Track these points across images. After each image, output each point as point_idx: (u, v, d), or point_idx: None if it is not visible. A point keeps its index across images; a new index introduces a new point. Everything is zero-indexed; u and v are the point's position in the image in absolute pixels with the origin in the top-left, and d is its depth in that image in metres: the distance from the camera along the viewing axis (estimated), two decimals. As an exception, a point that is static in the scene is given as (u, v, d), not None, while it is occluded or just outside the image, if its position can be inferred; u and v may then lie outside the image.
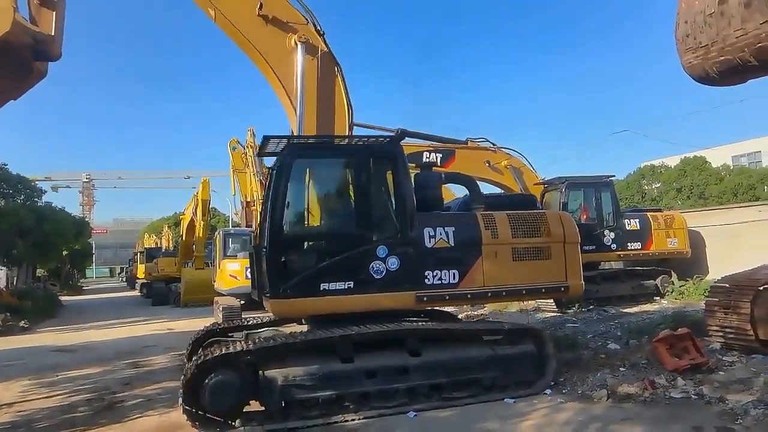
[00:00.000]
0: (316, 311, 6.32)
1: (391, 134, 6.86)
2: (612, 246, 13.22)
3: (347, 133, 8.31)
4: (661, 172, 33.85)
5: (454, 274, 6.45)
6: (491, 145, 14.40)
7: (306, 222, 6.88)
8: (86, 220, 46.04)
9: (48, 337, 15.43)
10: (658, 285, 13.52)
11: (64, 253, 37.62)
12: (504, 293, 6.76)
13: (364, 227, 6.36)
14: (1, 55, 5.10)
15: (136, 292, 37.91)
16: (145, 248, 37.94)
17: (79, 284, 52.20)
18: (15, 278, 30.58)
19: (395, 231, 6.42)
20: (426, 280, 6.37)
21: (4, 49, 5.02)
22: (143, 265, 34.09)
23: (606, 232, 13.22)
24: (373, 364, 5.94)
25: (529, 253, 6.72)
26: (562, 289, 6.86)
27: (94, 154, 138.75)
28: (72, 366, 10.01)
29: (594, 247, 13.08)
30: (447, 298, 6.47)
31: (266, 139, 6.55)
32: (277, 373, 5.61)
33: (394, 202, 6.49)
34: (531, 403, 6.17)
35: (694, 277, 13.54)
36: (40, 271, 41.20)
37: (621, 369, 7.06)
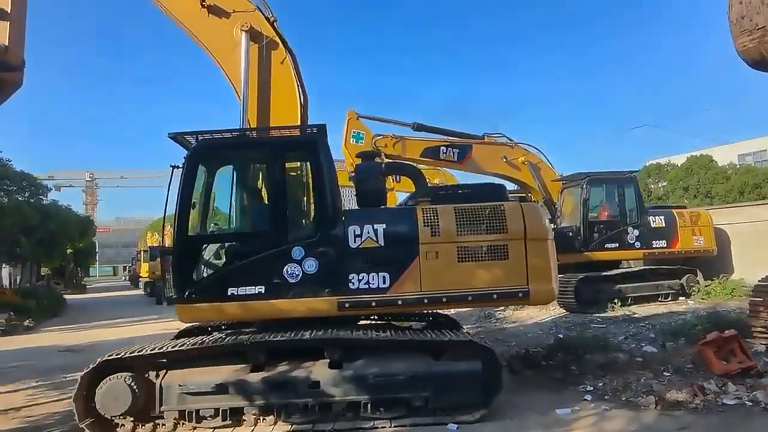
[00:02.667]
0: (224, 317, 6.01)
1: (316, 125, 6.27)
2: (636, 244, 12.78)
3: (299, 123, 7.77)
4: (667, 170, 33.47)
5: (384, 277, 5.75)
6: (508, 141, 14.03)
7: (215, 223, 6.49)
8: (91, 218, 45.75)
9: (53, 336, 15.11)
10: (684, 284, 13.09)
11: (69, 251, 37.30)
12: (444, 299, 5.82)
13: (277, 227, 5.89)
14: None
15: (140, 291, 37.57)
16: (149, 247, 37.53)
17: (82, 283, 51.90)
18: (18, 277, 30.26)
19: (313, 230, 5.93)
20: (350, 285, 5.72)
21: None
22: (147, 263, 33.69)
23: (629, 229, 12.79)
24: (282, 375, 5.45)
25: (478, 252, 5.83)
26: (521, 294, 5.85)
27: (96, 154, 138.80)
28: (81, 367, 9.32)
29: (617, 245, 12.71)
30: (373, 304, 5.77)
31: (172, 136, 6.11)
32: (175, 380, 5.42)
33: (313, 198, 6.02)
34: (573, 410, 5.80)
35: (720, 276, 13.12)
36: (44, 270, 40.89)
37: (665, 374, 6.68)
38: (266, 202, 6.14)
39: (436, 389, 5.41)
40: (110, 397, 5.29)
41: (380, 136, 13.02)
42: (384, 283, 5.75)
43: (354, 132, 12.78)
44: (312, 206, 6.07)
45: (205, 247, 6.09)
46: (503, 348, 9.50)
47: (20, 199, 23.45)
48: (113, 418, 5.37)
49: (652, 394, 6.02)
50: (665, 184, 32.63)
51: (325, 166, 5.96)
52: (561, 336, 9.60)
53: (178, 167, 6.03)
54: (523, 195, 16.33)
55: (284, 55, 7.94)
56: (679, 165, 32.40)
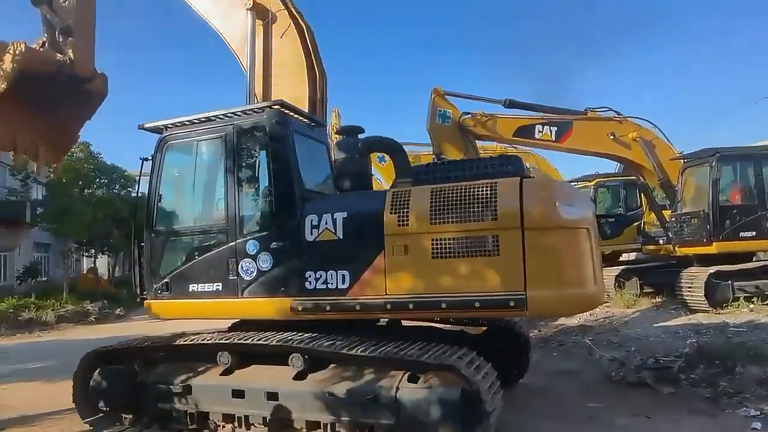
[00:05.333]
0: (187, 315, 5.70)
1: (273, 102, 5.49)
2: (779, 232, 10.77)
3: (315, 104, 7.14)
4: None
5: (343, 276, 4.83)
6: (616, 115, 12.33)
7: (180, 215, 6.07)
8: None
9: (140, 325, 15.20)
10: (836, 281, 10.87)
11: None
12: (411, 306, 4.65)
13: (235, 218, 5.34)
14: (29, 83, 5.83)
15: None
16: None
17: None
18: (116, 267, 31.85)
19: (268, 222, 5.24)
20: (307, 284, 4.94)
21: (25, 78, 5.75)
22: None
23: (769, 214, 10.79)
24: (244, 382, 4.89)
25: (458, 246, 4.51)
26: (512, 303, 4.34)
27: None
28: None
29: (754, 233, 10.75)
30: (328, 308, 4.87)
31: (144, 127, 5.96)
32: (152, 379, 5.30)
33: (270, 185, 5.33)
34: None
35: None
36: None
37: None
38: (225, 191, 5.56)
39: (402, 418, 4.21)
40: (100, 391, 5.39)
41: (468, 114, 11.85)
42: (343, 283, 4.83)
43: (440, 111, 11.70)
44: (269, 194, 5.38)
45: (171, 241, 5.79)
46: (623, 354, 8.14)
47: (113, 191, 24.41)
48: (108, 411, 5.40)
49: None
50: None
51: (282, 147, 5.27)
52: (694, 342, 8.05)
53: (147, 159, 5.86)
54: (632, 178, 14.65)
55: (287, 29, 7.35)
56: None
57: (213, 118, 5.64)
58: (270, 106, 5.47)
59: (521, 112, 12.18)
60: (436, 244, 4.58)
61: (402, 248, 4.65)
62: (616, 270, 13.41)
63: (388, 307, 4.71)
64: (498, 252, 4.40)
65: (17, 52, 5.71)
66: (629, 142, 12.21)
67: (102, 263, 29.72)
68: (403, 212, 4.70)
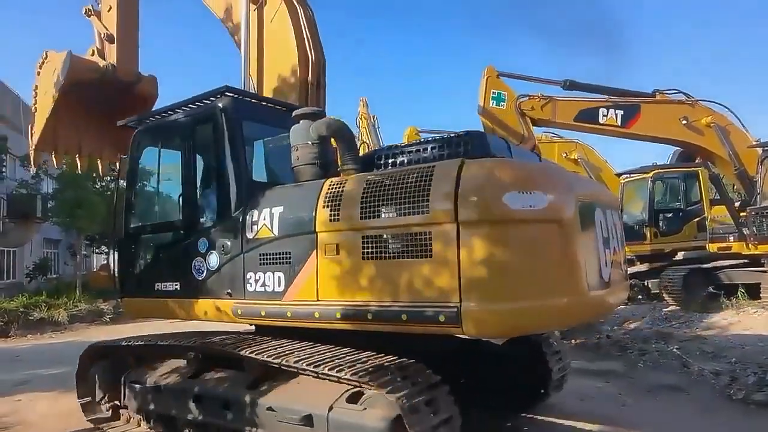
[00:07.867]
0: (155, 314, 5.73)
1: (215, 90, 5.09)
2: None
3: (308, 88, 6.79)
4: None
5: (279, 278, 4.39)
6: (687, 98, 11.19)
7: (149, 212, 6.11)
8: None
9: (156, 326, 14.27)
10: None
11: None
12: (338, 315, 3.99)
13: (189, 215, 5.18)
14: (84, 89, 6.56)
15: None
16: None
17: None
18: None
19: (216, 218, 4.99)
20: (248, 286, 4.60)
21: (77, 85, 6.41)
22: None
23: None
24: (205, 388, 4.60)
25: (390, 246, 3.79)
26: (443, 318, 3.51)
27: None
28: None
29: None
30: (263, 314, 4.50)
31: (122, 124, 6.03)
32: (136, 377, 5.29)
33: (217, 178, 5.07)
34: None
35: None
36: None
37: None
38: (183, 187, 5.33)
39: None
40: (90, 384, 5.56)
41: (525, 97, 10.82)
42: (279, 286, 4.39)
43: (494, 93, 10.68)
44: (218, 188, 5.10)
45: (142, 238, 5.75)
46: (726, 367, 7.03)
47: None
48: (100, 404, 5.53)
49: None
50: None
51: (224, 137, 4.90)
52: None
53: (125, 156, 5.93)
54: (693, 169, 13.57)
55: (278, 9, 7.07)
56: None
57: (177, 110, 5.43)
58: (218, 94, 5.08)
59: (583, 95, 11.10)
60: (367, 242, 3.90)
61: (334, 247, 4.07)
62: (683, 270, 12.31)
63: (317, 315, 4.16)
64: (430, 253, 3.59)
65: (65, 62, 6.09)
66: (702, 128, 11.05)
67: (115, 260, 28.92)
68: (335, 206, 4.09)
